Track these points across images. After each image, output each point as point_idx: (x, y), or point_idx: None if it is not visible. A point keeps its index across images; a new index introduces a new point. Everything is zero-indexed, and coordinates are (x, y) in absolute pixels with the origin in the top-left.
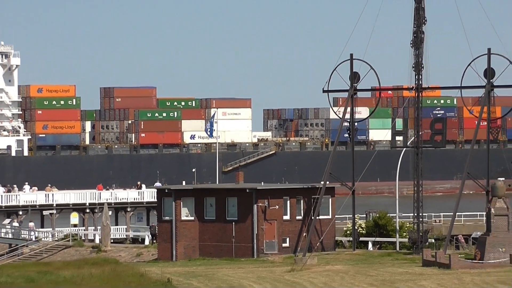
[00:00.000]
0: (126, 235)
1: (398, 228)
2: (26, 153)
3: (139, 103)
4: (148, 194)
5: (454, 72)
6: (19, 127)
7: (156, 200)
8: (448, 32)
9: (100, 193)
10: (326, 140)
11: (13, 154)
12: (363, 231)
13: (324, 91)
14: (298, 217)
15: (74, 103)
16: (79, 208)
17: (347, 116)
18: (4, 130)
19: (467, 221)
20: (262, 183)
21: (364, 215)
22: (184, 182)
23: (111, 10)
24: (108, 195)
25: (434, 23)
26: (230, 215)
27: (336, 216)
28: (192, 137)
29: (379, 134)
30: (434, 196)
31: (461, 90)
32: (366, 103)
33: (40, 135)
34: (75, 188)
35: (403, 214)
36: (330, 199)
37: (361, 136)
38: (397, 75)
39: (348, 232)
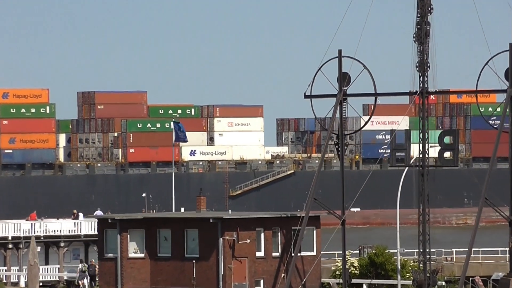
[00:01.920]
0: (58, 277)
1: (399, 267)
2: None
3: (126, 111)
4: (87, 225)
5: (468, 72)
6: None
7: (96, 232)
8: (459, 24)
9: (25, 224)
10: (357, 157)
11: None
12: (356, 271)
13: (306, 97)
14: (274, 254)
15: (47, 111)
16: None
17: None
18: None
19: (485, 259)
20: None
21: (357, 251)
22: (182, 209)
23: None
24: (36, 227)
25: (441, 12)
26: (189, 251)
27: (322, 252)
28: (192, 153)
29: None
30: (443, 227)
31: (476, 95)
32: (404, 110)
33: (6, 151)
34: (49, 216)
35: (406, 250)
36: (314, 231)
37: (400, 152)
38: (397, 77)
39: (337, 272)
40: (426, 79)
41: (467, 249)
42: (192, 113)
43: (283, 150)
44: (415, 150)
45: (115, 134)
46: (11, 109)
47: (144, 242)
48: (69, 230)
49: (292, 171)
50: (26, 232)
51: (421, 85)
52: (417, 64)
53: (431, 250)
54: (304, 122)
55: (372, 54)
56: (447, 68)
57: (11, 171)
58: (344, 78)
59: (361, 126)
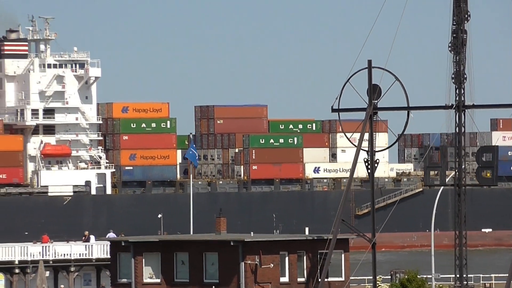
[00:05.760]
0: None
1: None
2: (109, 190)
3: (246, 126)
4: (99, 249)
5: (508, 85)
6: (100, 157)
7: (109, 256)
8: (498, 32)
9: (33, 247)
10: (488, 174)
11: (93, 192)
12: None
13: (333, 110)
14: (300, 279)
15: (168, 126)
16: (5, 267)
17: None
18: (81, 161)
19: None
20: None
21: (389, 276)
22: (307, 230)
23: (216, 13)
24: (44, 250)
25: (479, 19)
26: (209, 276)
27: (350, 277)
28: (316, 170)
29: None
30: (480, 250)
31: None
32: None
33: (127, 168)
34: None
35: (441, 276)
36: (342, 255)
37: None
38: (430, 90)
39: None
40: (462, 91)
41: (507, 275)
42: (313, 128)
43: (408, 167)
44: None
45: (236, 150)
46: (131, 124)
47: (160, 266)
48: (79, 254)
49: (421, 189)
50: (34, 255)
51: (457, 98)
52: (452, 76)
53: (469, 275)
54: (428, 137)
55: (404, 65)
56: (484, 79)
57: (132, 188)
58: (374, 91)
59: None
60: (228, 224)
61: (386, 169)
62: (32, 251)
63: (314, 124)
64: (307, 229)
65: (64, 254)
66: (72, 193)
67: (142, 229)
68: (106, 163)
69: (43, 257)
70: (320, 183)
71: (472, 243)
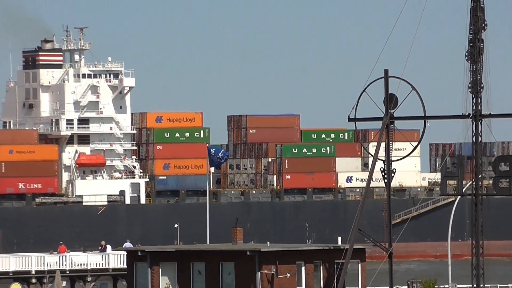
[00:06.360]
0: None
1: None
2: (143, 200)
3: (279, 135)
4: (115, 258)
5: None
6: (134, 167)
7: (125, 266)
8: None
9: (49, 257)
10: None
11: (127, 201)
12: None
13: (350, 120)
14: None
15: (201, 135)
16: (22, 277)
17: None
18: (115, 171)
19: None
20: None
21: (406, 286)
22: (340, 239)
23: (249, 25)
24: (61, 260)
25: (496, 28)
26: (225, 286)
27: (367, 287)
28: (349, 179)
29: None
30: (498, 260)
31: None
32: None
33: (160, 177)
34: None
35: (458, 286)
36: (359, 265)
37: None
38: (447, 99)
39: None
40: (479, 101)
41: None
42: (346, 137)
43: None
44: None
45: (269, 159)
46: (165, 134)
47: (176, 276)
48: (96, 264)
49: (454, 199)
50: (50, 265)
51: (474, 108)
52: (469, 85)
53: (486, 285)
54: (460, 146)
55: (421, 74)
56: (501, 89)
57: (165, 198)
58: (391, 100)
59: (409, 153)
60: (261, 233)
61: (418, 178)
62: (49, 261)
63: (346, 134)
64: (339, 238)
65: (81, 264)
66: (106, 203)
67: (175, 238)
68: (140, 172)
69: (59, 267)
70: (353, 193)
71: (498, 252)
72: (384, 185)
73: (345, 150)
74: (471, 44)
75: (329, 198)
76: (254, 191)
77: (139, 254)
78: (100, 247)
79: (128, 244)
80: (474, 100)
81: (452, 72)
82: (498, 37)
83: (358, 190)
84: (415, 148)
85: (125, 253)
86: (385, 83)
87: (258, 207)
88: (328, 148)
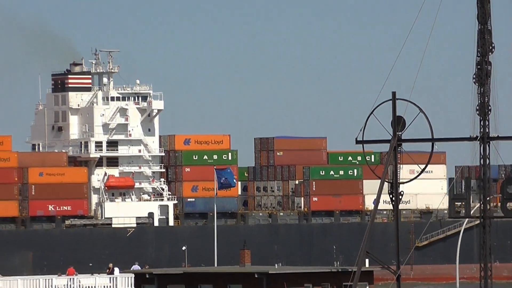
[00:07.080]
0: None
1: None
2: (171, 222)
3: (306, 158)
4: (123, 281)
5: None
6: (162, 189)
7: None
8: None
9: (57, 279)
10: None
11: (156, 223)
12: None
13: (357, 142)
14: None
15: (229, 157)
16: None
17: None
18: (144, 193)
19: None
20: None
21: None
22: (367, 262)
23: (275, 47)
24: (69, 283)
25: (504, 51)
26: None
27: None
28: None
29: None
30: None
31: None
32: None
33: (189, 199)
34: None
35: None
36: (367, 287)
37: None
38: (455, 121)
39: None
40: (487, 123)
41: None
42: (372, 159)
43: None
44: None
45: (296, 181)
46: (193, 156)
47: None
48: (104, 286)
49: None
50: None
51: (481, 130)
52: (477, 107)
53: None
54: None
55: (428, 96)
56: (510, 111)
57: (194, 220)
58: (398, 122)
59: (416, 175)
60: (288, 255)
61: (445, 200)
62: (57, 283)
63: (373, 156)
64: (367, 260)
65: (89, 287)
66: (135, 225)
67: (203, 261)
68: (169, 195)
69: None
70: (380, 215)
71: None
72: (410, 208)
73: (371, 173)
74: (478, 67)
75: (356, 220)
76: (281, 213)
77: (147, 276)
78: (107, 270)
79: (136, 267)
80: (481, 123)
81: (459, 94)
82: (506, 59)
83: (385, 212)
84: (422, 170)
85: (133, 275)
86: (392, 105)
87: (286, 229)
88: (355, 170)
